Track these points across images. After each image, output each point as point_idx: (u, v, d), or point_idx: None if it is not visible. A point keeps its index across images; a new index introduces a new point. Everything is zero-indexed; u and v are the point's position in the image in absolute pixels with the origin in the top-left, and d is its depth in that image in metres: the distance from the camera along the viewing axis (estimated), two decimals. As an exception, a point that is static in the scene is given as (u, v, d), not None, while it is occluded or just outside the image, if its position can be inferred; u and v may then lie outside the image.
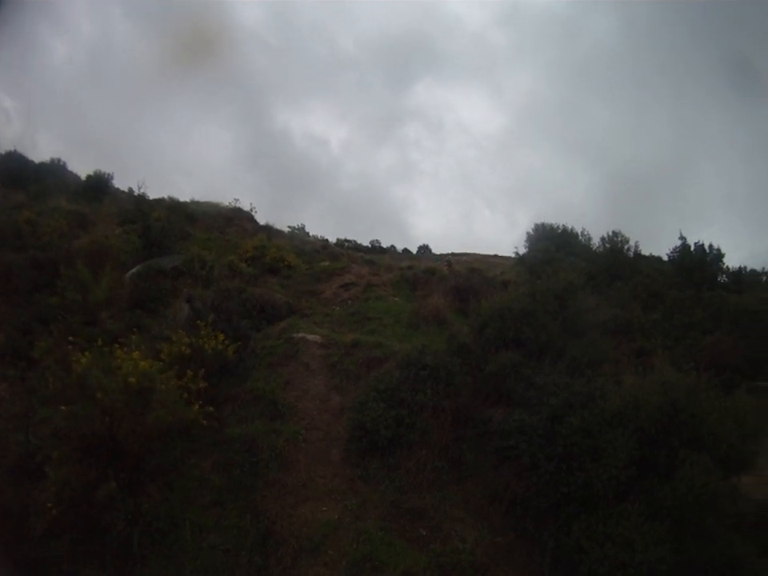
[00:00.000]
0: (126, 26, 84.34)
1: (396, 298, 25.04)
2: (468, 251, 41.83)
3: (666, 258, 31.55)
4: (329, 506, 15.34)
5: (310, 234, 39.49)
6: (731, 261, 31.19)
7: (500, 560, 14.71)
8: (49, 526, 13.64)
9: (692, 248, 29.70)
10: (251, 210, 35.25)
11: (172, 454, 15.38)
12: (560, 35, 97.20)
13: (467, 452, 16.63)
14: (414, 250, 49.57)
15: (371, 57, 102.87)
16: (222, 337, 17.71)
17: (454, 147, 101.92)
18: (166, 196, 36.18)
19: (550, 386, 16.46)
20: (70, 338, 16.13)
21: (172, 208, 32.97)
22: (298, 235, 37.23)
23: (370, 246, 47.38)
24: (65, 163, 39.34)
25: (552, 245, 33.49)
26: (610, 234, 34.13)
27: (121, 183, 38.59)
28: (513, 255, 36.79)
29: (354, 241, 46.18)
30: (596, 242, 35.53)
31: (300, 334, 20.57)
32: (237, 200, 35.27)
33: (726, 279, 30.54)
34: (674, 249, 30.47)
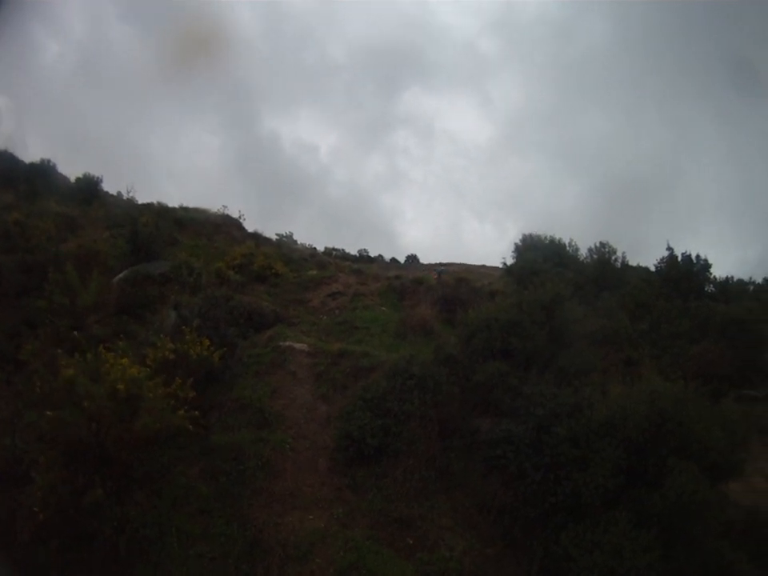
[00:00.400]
0: (119, 29, 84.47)
1: (383, 308, 25.08)
2: (456, 261, 41.79)
3: (653, 269, 31.63)
4: (316, 514, 15.31)
5: (298, 242, 39.39)
6: (720, 269, 31.36)
7: (488, 569, 14.72)
8: (36, 532, 13.53)
9: (679, 258, 29.79)
10: (240, 217, 35.19)
11: (159, 462, 15.32)
12: (551, 41, 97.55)
13: (455, 461, 16.64)
14: (402, 260, 49.56)
15: (360, 64, 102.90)
16: (207, 342, 17.65)
17: (442, 156, 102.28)
18: (154, 201, 36.12)
19: (537, 396, 16.52)
20: (58, 343, 16.07)
21: (160, 213, 32.88)
22: (286, 243, 37.12)
23: (357, 255, 47.32)
24: (55, 164, 39.14)
25: (540, 255, 33.53)
26: (598, 244, 34.24)
27: (110, 187, 38.47)
28: (500, 266, 36.83)
29: (342, 250, 46.18)
30: (584, 252, 35.64)
31: (287, 343, 20.54)
32: (225, 207, 35.16)
33: (713, 289, 30.65)
34: (661, 259, 30.56)
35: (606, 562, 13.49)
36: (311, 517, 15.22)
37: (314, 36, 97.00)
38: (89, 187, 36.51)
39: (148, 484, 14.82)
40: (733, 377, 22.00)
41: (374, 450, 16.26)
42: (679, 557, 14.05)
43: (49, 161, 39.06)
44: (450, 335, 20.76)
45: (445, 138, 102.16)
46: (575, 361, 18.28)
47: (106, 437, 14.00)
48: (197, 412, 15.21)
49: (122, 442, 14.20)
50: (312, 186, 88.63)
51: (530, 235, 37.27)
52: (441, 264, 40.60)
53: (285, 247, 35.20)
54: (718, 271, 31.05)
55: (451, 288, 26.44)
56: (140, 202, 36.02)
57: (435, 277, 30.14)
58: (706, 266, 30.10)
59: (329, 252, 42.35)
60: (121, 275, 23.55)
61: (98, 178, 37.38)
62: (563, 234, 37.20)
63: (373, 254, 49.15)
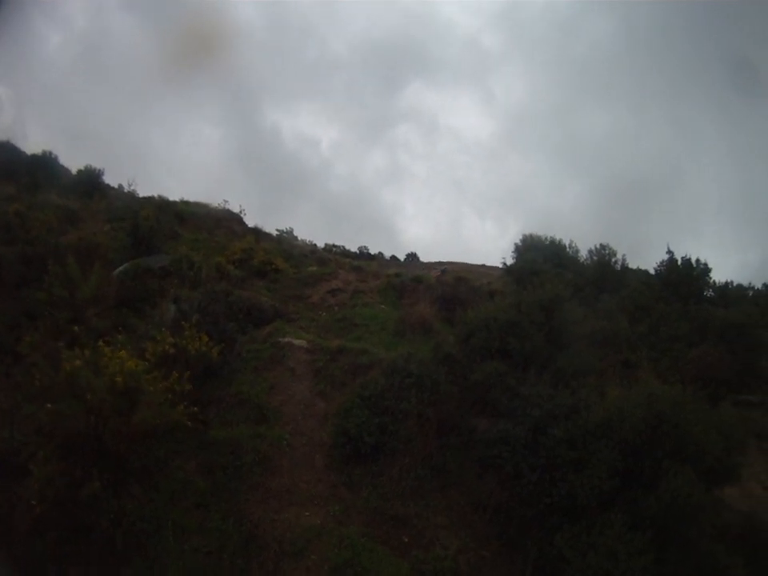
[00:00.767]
0: (120, 20, 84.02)
1: (383, 306, 25.06)
2: (456, 260, 41.78)
3: (653, 272, 31.65)
4: (312, 511, 15.34)
5: (299, 238, 39.35)
6: (721, 272, 31.46)
7: (482, 568, 14.77)
8: (33, 525, 13.58)
9: (679, 262, 29.80)
10: (240, 212, 35.09)
11: (156, 456, 15.33)
12: (554, 38, 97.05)
13: (451, 460, 16.66)
14: (402, 258, 49.53)
15: (362, 59, 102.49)
16: (206, 338, 17.67)
17: (444, 152, 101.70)
18: (155, 194, 36.03)
19: (534, 396, 16.53)
20: (57, 335, 16.08)
21: (161, 207, 32.78)
22: (287, 239, 37.06)
23: (358, 252, 47.22)
24: (56, 156, 39.11)
25: (540, 256, 33.57)
26: (598, 246, 34.29)
27: (111, 179, 38.39)
28: (500, 265, 36.82)
29: (342, 246, 46.03)
30: (584, 254, 35.69)
31: (286, 339, 20.54)
32: (226, 201, 35.07)
33: (712, 293, 30.68)
34: (661, 262, 30.57)
35: (600, 564, 13.50)
36: (307, 513, 15.25)
37: (316, 30, 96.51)
38: (90, 180, 36.42)
39: (145, 478, 14.83)
40: (731, 381, 22.02)
41: (371, 447, 16.28)
42: (674, 560, 14.08)
43: (50, 153, 39.06)
44: (449, 334, 20.77)
45: (447, 134, 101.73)
46: (573, 362, 18.31)
47: (104, 430, 14.02)
48: (195, 408, 15.24)
49: (120, 435, 14.21)
50: (313, 180, 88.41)
51: (531, 235, 37.33)
52: (441, 263, 40.63)
53: (285, 243, 35.15)
54: (719, 274, 31.13)
55: (451, 287, 26.43)
56: (141, 195, 35.99)
57: (437, 275, 30.15)
58: (705, 270, 30.12)
59: (329, 248, 42.23)
60: (121, 268, 23.52)
61: (99, 170, 37.30)
62: (564, 234, 37.35)
63: (373, 251, 49.11)
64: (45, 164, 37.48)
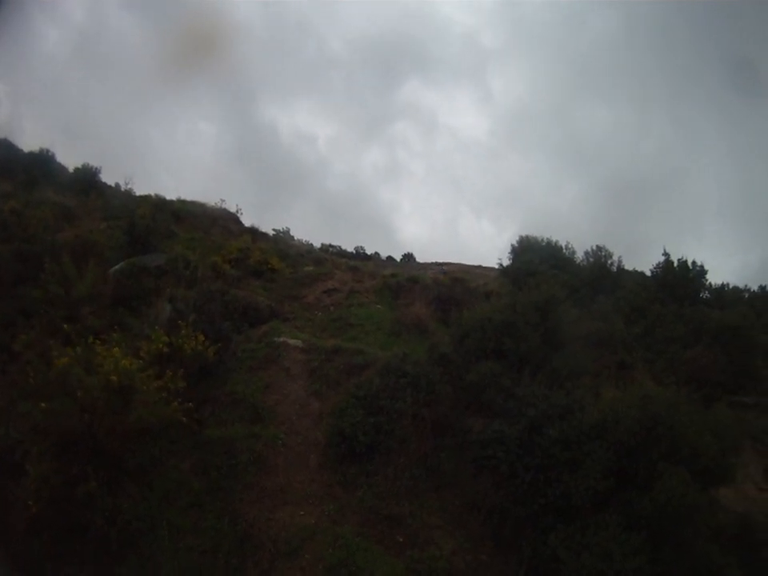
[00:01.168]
0: (118, 17, 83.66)
1: (378, 306, 25.03)
2: (452, 261, 41.78)
3: (649, 274, 31.72)
4: (306, 510, 15.35)
5: (295, 238, 39.28)
6: (721, 273, 31.58)
7: (477, 568, 14.80)
8: (30, 524, 13.59)
9: (675, 264, 29.85)
10: (237, 211, 35.06)
11: (151, 455, 15.34)
12: (553, 37, 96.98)
13: (446, 460, 16.68)
14: (398, 258, 49.55)
15: (360, 56, 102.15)
16: (202, 338, 17.67)
17: (441, 150, 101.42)
18: (152, 193, 35.91)
19: (529, 397, 16.56)
20: (53, 333, 16.08)
21: (158, 205, 32.69)
22: (283, 239, 36.95)
23: (354, 252, 47.23)
24: (53, 154, 39.01)
25: (536, 257, 33.56)
26: (594, 248, 34.37)
27: (108, 177, 38.31)
28: (497, 266, 36.83)
29: (339, 246, 46.01)
30: (580, 255, 35.75)
31: (281, 339, 20.51)
32: (223, 200, 34.99)
33: (708, 295, 30.76)
34: (657, 264, 30.63)
35: (594, 565, 13.50)
36: (302, 513, 15.26)
37: (314, 27, 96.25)
38: (87, 177, 36.28)
39: (140, 477, 14.84)
40: (725, 383, 22.08)
41: (366, 447, 16.28)
42: (668, 560, 14.07)
43: (47, 150, 38.91)
44: (444, 335, 20.74)
45: (444, 132, 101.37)
46: (568, 363, 18.30)
47: (99, 428, 14.03)
48: (190, 404, 15.26)
49: (115, 434, 14.24)
50: (310, 178, 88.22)
51: (527, 237, 37.31)
52: (437, 263, 40.66)
53: (281, 243, 35.05)
54: (719, 275, 31.34)
55: (446, 287, 26.44)
56: (138, 193, 35.89)
57: (437, 270, 30.24)
58: (701, 272, 30.19)
59: (325, 248, 42.22)
60: (117, 267, 23.47)
61: (96, 168, 37.20)
62: (562, 234, 37.46)
63: (369, 251, 49.10)
64: (42, 161, 37.34)
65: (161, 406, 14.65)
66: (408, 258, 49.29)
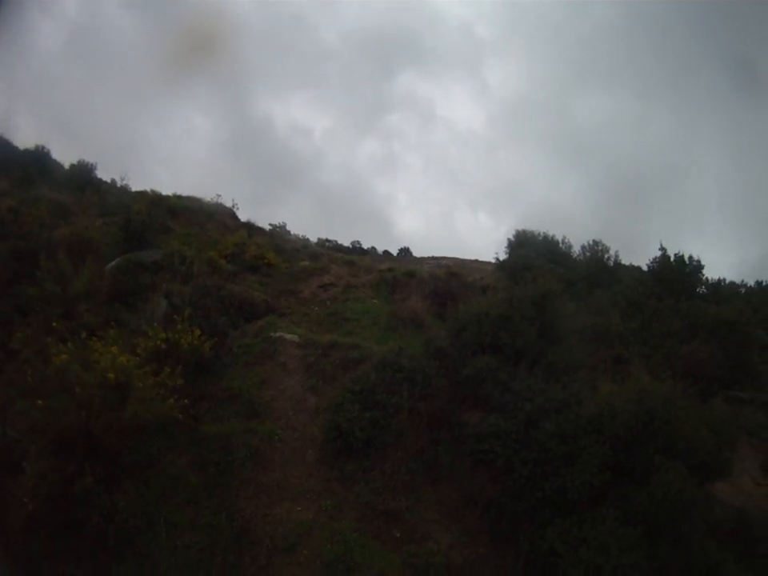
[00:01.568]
0: (114, 13, 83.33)
1: (375, 300, 25.02)
2: (448, 255, 41.72)
3: (645, 268, 31.64)
4: (303, 506, 15.35)
5: (291, 233, 39.23)
6: (720, 269, 31.42)
7: (474, 562, 14.79)
8: (27, 522, 13.59)
9: (672, 259, 29.79)
10: (233, 206, 35.04)
11: (148, 451, 15.36)
12: (550, 29, 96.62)
13: (442, 455, 16.68)
14: (395, 252, 49.46)
15: (355, 48, 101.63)
16: (198, 332, 17.68)
17: (437, 142, 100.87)
18: (148, 189, 35.82)
19: (526, 391, 16.54)
20: (49, 331, 16.05)
21: (154, 201, 32.54)
22: (279, 233, 36.91)
23: (350, 246, 47.20)
24: (49, 151, 38.91)
25: (533, 251, 33.50)
26: (591, 242, 34.27)
27: (104, 174, 38.26)
28: (493, 261, 36.76)
29: (335, 241, 45.98)
30: (577, 249, 35.65)
31: (278, 334, 20.47)
32: (219, 195, 34.96)
33: (704, 290, 30.69)
34: (653, 259, 30.56)
35: (591, 559, 13.53)
36: (299, 508, 15.26)
37: (308, 18, 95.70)
38: (82, 174, 36.25)
39: (136, 473, 14.85)
40: (722, 378, 22.03)
41: (363, 442, 16.29)
42: (665, 555, 14.08)
43: (43, 147, 38.83)
44: (440, 329, 20.73)
45: (441, 124, 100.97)
46: (565, 357, 18.28)
47: (96, 424, 14.02)
48: (186, 401, 15.25)
49: (111, 430, 14.26)
50: (305, 171, 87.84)
51: (524, 231, 37.16)
52: (434, 258, 40.63)
53: (277, 237, 35.03)
54: (717, 271, 31.16)
55: (443, 282, 26.40)
56: (133, 189, 35.93)
57: (431, 269, 30.24)
58: (698, 266, 30.12)
59: (321, 243, 42.19)
60: (113, 263, 23.43)
61: (92, 165, 37.20)
62: (560, 228, 37.40)
63: (366, 245, 49.05)
64: (37, 159, 37.22)
65: (157, 403, 14.65)
66: (404, 252, 49.20)
